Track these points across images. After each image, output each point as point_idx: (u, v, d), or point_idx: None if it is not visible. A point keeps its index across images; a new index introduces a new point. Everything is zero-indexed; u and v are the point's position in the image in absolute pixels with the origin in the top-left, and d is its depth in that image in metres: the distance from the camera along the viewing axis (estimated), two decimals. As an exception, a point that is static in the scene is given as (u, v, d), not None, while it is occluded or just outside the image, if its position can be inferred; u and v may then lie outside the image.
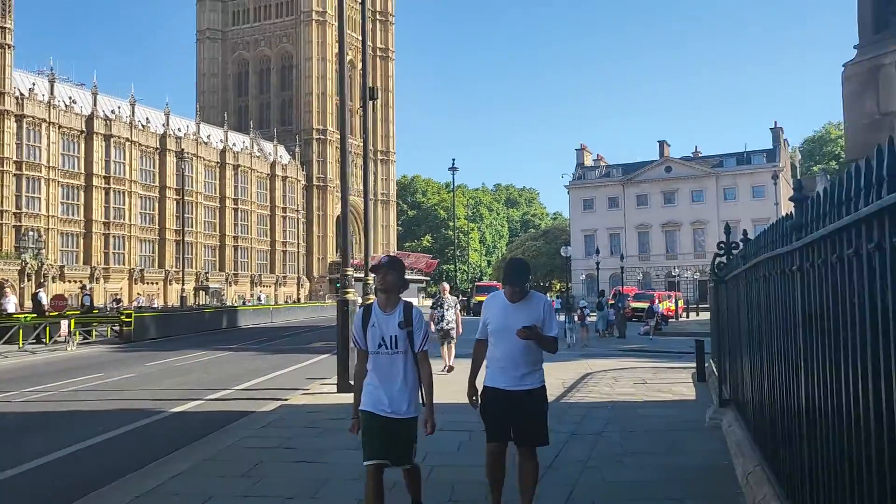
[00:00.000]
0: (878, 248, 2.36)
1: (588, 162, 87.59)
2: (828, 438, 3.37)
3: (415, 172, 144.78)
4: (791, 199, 3.70)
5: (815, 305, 3.46)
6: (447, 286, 15.94)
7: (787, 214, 4.15)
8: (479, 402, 5.03)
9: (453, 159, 40.24)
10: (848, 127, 4.85)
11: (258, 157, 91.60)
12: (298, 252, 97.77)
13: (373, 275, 4.76)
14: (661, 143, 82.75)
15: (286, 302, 79.25)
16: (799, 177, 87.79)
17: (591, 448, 7.85)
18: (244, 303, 68.92)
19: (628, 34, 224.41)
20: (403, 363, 4.55)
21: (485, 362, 5.13)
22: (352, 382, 5.09)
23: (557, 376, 14.22)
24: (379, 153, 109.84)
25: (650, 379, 13.94)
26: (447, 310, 15.24)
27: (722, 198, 76.62)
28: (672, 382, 13.37)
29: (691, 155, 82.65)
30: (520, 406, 4.80)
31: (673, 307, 48.59)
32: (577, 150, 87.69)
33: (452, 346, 15.04)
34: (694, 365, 15.43)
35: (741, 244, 6.49)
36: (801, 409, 3.99)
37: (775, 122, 79.54)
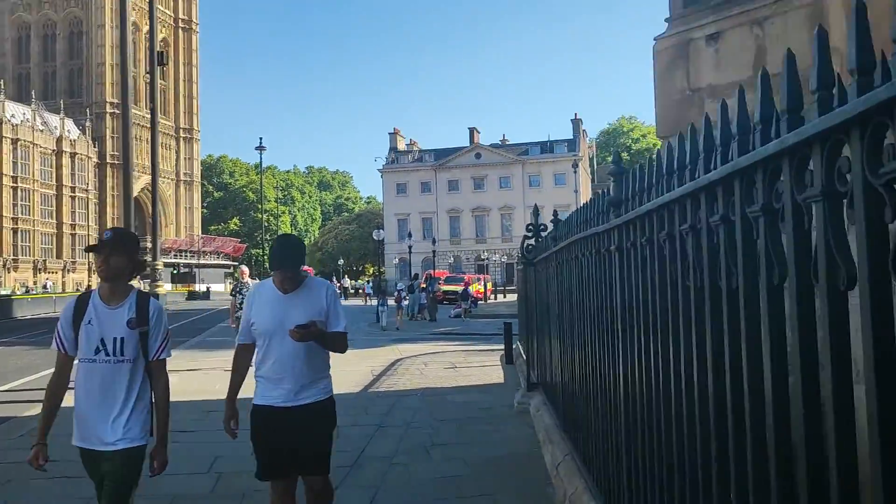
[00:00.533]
0: (724, 220, 1.98)
1: (401, 146, 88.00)
2: (644, 432, 3.07)
3: (222, 152, 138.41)
4: (610, 173, 3.35)
5: (634, 287, 3.12)
6: (246, 269, 14.33)
7: (603, 191, 3.83)
8: (251, 426, 3.92)
9: (261, 138, 38.40)
10: (659, 103, 4.70)
11: (42, 132, 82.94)
12: (90, 235, 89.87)
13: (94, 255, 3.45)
14: (472, 130, 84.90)
15: (77, 290, 72.55)
16: (596, 165, 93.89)
17: (398, 441, 7.39)
18: (27, 291, 62.25)
19: (441, 21, 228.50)
20: (129, 376, 3.38)
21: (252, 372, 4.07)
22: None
23: (367, 364, 13.74)
24: (182, 131, 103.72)
25: (460, 363, 13.82)
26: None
27: (528, 184, 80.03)
28: (482, 366, 13.33)
29: (499, 142, 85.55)
30: (298, 426, 3.80)
31: (482, 290, 49.95)
32: (390, 133, 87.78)
33: None
34: (503, 347, 15.58)
35: (552, 225, 6.27)
36: (616, 398, 3.71)
37: (576, 114, 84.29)
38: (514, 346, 13.60)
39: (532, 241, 8.82)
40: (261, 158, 38.76)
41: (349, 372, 12.63)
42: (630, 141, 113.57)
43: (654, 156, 2.80)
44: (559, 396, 6.49)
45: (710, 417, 2.18)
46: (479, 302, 41.18)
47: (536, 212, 8.93)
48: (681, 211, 2.40)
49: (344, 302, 54.95)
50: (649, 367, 2.98)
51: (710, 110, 2.26)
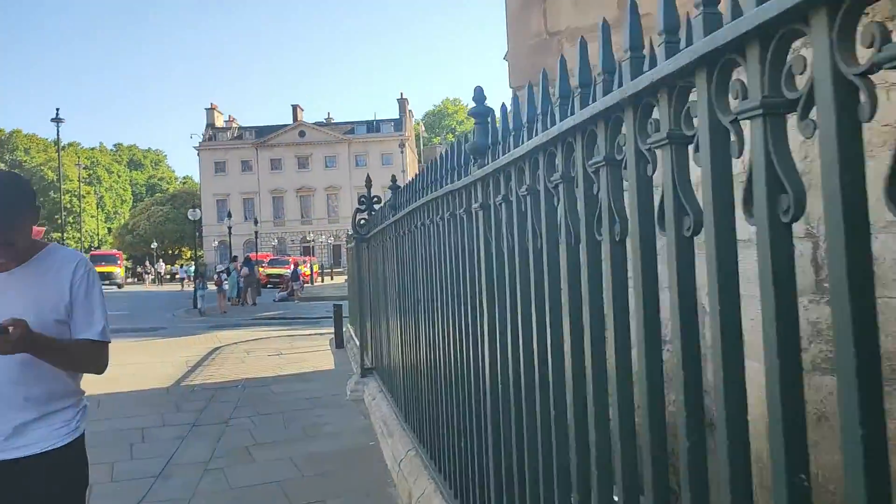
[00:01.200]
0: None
1: (219, 123, 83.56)
2: (504, 423, 2.52)
3: (15, 126, 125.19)
4: (470, 112, 2.71)
5: (504, 251, 2.53)
6: None
7: (457, 142, 3.20)
8: None
9: (57, 109, 34.36)
10: (511, 50, 4.16)
11: None
12: None
13: None
14: (295, 108, 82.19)
15: None
16: (423, 146, 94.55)
17: (215, 441, 6.46)
18: None
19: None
20: None
21: None
22: None
23: (181, 354, 12.45)
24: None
25: (286, 349, 12.88)
26: None
27: (354, 164, 78.82)
28: (309, 351, 12.47)
29: (324, 121, 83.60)
30: (10, 494, 2.27)
31: (308, 272, 48.65)
32: (207, 109, 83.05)
33: None
34: (332, 331, 14.81)
35: (391, 193, 5.60)
36: (468, 383, 3.13)
37: (401, 94, 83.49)
38: (343, 330, 12.89)
39: (365, 216, 8.13)
40: (58, 131, 34.81)
41: (160, 363, 11.35)
42: (455, 123, 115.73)
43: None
44: (399, 382, 5.89)
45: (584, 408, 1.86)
46: (306, 284, 39.94)
47: (369, 183, 8.22)
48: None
49: (157, 287, 51.35)
50: (514, 346, 2.42)
51: (570, 57, 1.77)
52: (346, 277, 56.02)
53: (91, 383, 8.08)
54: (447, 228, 3.44)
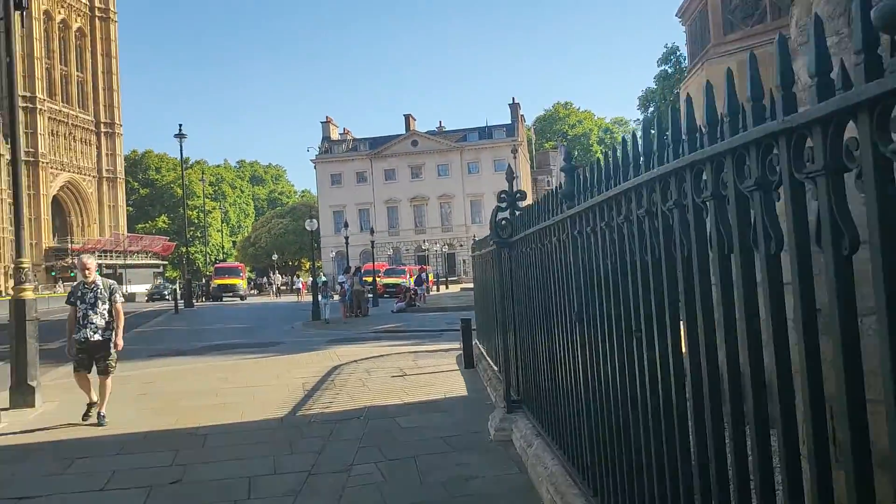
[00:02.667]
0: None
1: (334, 135, 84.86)
2: None
3: (147, 147, 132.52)
4: None
5: None
6: (91, 263, 8.42)
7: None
8: None
9: (180, 125, 35.16)
10: None
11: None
12: (4, 238, 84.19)
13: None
14: (407, 117, 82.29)
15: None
16: (534, 153, 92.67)
17: (335, 501, 5.16)
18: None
19: (369, 5, 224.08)
20: None
21: None
22: None
23: (298, 374, 11.43)
24: (103, 125, 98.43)
25: (410, 369, 11.61)
26: (100, 305, 8.18)
27: (466, 171, 78.01)
28: (436, 371, 11.14)
29: (436, 129, 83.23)
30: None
31: (424, 281, 47.97)
32: (322, 122, 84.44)
33: (109, 374, 8.25)
34: (458, 346, 13.47)
35: (566, 177, 4.10)
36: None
37: (513, 98, 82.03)
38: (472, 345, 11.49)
39: (506, 215, 6.69)
40: (181, 145, 35.49)
41: (275, 386, 10.32)
42: (567, 127, 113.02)
43: None
44: (568, 426, 4.41)
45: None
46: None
47: (511, 175, 6.77)
48: None
49: (275, 298, 51.89)
50: None
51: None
52: (462, 287, 55.09)
53: (202, 412, 6.81)
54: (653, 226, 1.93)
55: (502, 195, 6.65)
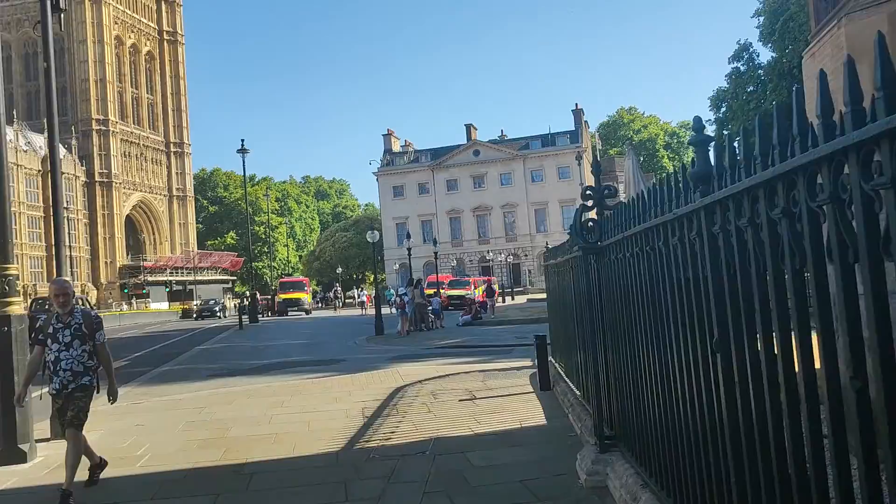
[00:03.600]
0: None
1: (396, 148, 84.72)
2: None
3: (215, 165, 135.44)
4: None
5: None
6: (68, 288, 6.18)
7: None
8: None
9: (242, 140, 35.04)
10: None
11: (25, 152, 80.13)
12: (81, 257, 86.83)
13: None
14: (468, 127, 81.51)
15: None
16: (598, 158, 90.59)
17: (395, 570, 4.16)
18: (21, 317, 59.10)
19: (427, 16, 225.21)
20: None
21: None
22: None
23: (359, 398, 10.52)
24: (172, 145, 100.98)
25: (479, 391, 10.57)
26: (76, 345, 6.05)
27: (530, 180, 76.69)
28: (508, 394, 10.07)
29: (498, 138, 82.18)
30: None
31: (482, 293, 46.95)
32: (384, 135, 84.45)
33: (78, 428, 6.04)
34: (530, 363, 12.42)
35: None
36: None
37: (576, 104, 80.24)
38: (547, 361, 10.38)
39: (591, 214, 5.63)
40: (243, 160, 35.36)
41: (332, 412, 9.43)
42: (631, 132, 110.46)
43: None
44: (696, 483, 3.33)
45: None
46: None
47: (598, 167, 5.72)
48: None
49: (337, 312, 51.12)
50: None
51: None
52: (528, 297, 53.73)
53: (251, 445, 5.84)
54: None
55: (588, 191, 5.59)
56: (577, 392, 7.75)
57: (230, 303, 62.98)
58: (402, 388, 11.31)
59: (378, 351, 19.05)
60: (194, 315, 54.58)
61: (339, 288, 66.03)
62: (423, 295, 26.29)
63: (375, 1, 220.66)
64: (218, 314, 53.06)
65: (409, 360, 16.06)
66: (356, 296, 51.85)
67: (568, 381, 8.79)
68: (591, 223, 5.60)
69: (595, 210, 5.64)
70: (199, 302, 62.02)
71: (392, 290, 46.49)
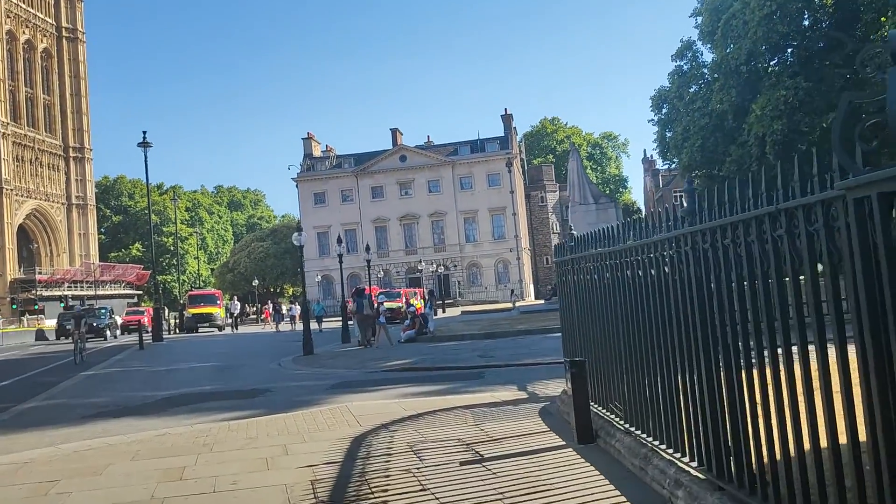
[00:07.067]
0: None
1: (317, 152, 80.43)
2: None
3: (120, 173, 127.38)
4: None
5: None
6: None
7: None
8: None
9: (144, 132, 30.82)
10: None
11: None
12: (-34, 269, 78.74)
13: None
14: (394, 132, 78.11)
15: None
16: (526, 168, 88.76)
17: None
18: None
19: (348, 17, 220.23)
20: None
21: None
22: None
23: (303, 458, 6.96)
24: (72, 150, 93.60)
25: (480, 441, 7.18)
26: None
27: (459, 187, 73.87)
28: (529, 450, 6.72)
29: (425, 144, 79.10)
30: None
31: (421, 305, 43.78)
32: (303, 139, 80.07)
33: None
34: (517, 392, 9.24)
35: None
36: None
37: (506, 109, 77.73)
38: (563, 388, 7.10)
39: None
40: (145, 155, 30.98)
41: (264, 491, 5.87)
42: (555, 143, 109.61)
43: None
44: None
45: None
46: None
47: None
48: None
49: (242, 330, 46.10)
50: None
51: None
52: (462, 310, 50.60)
53: None
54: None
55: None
56: (671, 455, 4.48)
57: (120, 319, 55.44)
58: (362, 437, 7.82)
59: (311, 377, 15.42)
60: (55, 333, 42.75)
61: (234, 303, 58.15)
62: (371, 306, 22.86)
63: (296, 1, 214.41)
64: (105, 334, 42.01)
65: (355, 389, 12.56)
66: (284, 311, 46.42)
67: (637, 432, 5.57)
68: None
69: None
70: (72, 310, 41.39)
71: (321, 304, 42.49)
